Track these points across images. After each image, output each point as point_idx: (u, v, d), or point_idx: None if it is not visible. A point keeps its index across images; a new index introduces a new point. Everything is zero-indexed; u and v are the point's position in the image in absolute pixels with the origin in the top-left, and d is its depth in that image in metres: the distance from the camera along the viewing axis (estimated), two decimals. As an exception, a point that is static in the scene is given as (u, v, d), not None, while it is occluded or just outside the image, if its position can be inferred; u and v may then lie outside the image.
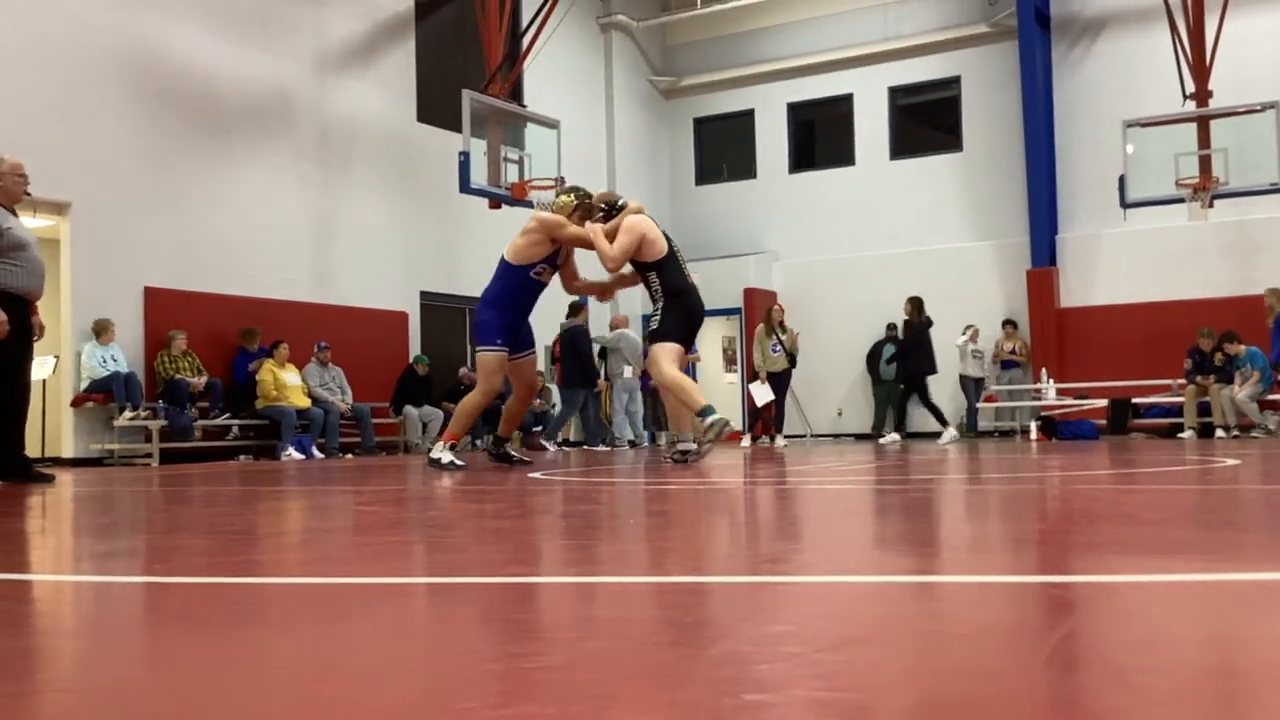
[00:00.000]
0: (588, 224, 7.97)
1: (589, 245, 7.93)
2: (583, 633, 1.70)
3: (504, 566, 2.55)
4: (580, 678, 1.35)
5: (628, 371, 15.66)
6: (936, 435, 15.07)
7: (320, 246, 14.95)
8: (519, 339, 8.12)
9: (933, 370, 14.86)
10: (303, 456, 12.87)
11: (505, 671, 1.37)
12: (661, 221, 22.14)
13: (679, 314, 7.81)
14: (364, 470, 8.88)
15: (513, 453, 8.61)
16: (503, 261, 7.97)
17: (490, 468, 8.09)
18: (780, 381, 14.72)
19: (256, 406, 13.18)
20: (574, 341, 15.03)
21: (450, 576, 2.39)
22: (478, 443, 14.68)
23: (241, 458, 12.83)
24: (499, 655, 1.49)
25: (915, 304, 14.90)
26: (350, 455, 13.57)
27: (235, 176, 13.90)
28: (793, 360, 14.78)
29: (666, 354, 7.73)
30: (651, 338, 8.01)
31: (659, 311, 7.88)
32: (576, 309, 15.42)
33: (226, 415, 13.05)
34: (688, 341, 7.94)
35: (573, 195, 8.12)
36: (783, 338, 14.60)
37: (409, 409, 14.97)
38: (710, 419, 7.41)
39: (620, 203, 8.13)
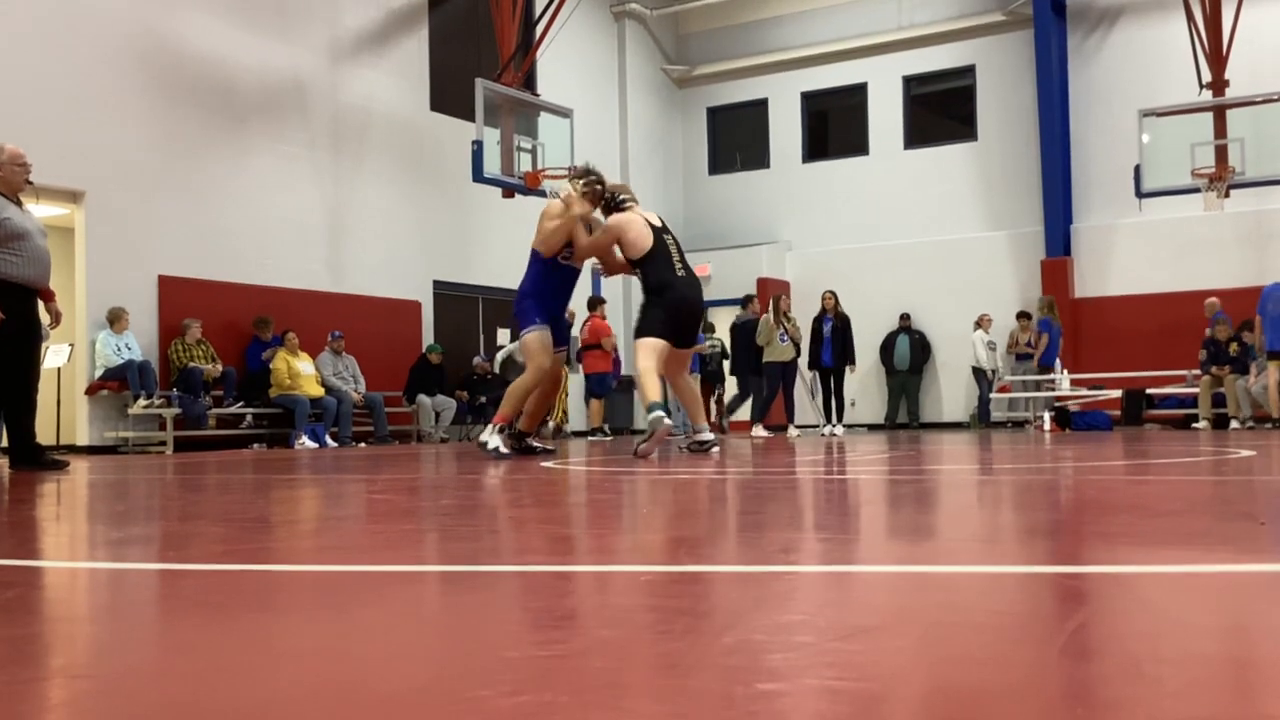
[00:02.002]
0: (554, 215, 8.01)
1: (549, 236, 8.00)
2: (595, 621, 1.70)
3: (517, 555, 2.55)
4: (593, 666, 1.35)
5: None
6: (952, 425, 15.03)
7: (334, 235, 14.98)
8: (555, 332, 8.11)
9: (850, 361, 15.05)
10: (316, 445, 12.91)
11: (518, 659, 1.38)
12: (674, 211, 22.29)
13: (659, 309, 7.82)
14: (377, 459, 8.90)
15: (535, 444, 8.57)
16: (531, 251, 8.09)
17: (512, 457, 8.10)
18: (788, 371, 14.74)
19: (270, 395, 13.23)
20: (746, 333, 15.25)
21: (463, 565, 2.39)
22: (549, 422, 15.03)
23: (255, 446, 12.88)
24: (512, 643, 1.49)
25: (835, 296, 15.16)
26: (363, 444, 13.61)
27: (249, 165, 13.93)
28: (798, 349, 14.81)
29: (643, 349, 7.78)
30: (635, 334, 8.05)
31: (641, 306, 8.01)
32: (747, 301, 15.77)
33: (240, 404, 13.10)
34: (673, 335, 7.85)
35: (580, 181, 8.13)
36: (789, 328, 14.61)
37: (422, 398, 15.00)
38: (651, 416, 7.38)
39: (621, 199, 8.13)
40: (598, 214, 8.14)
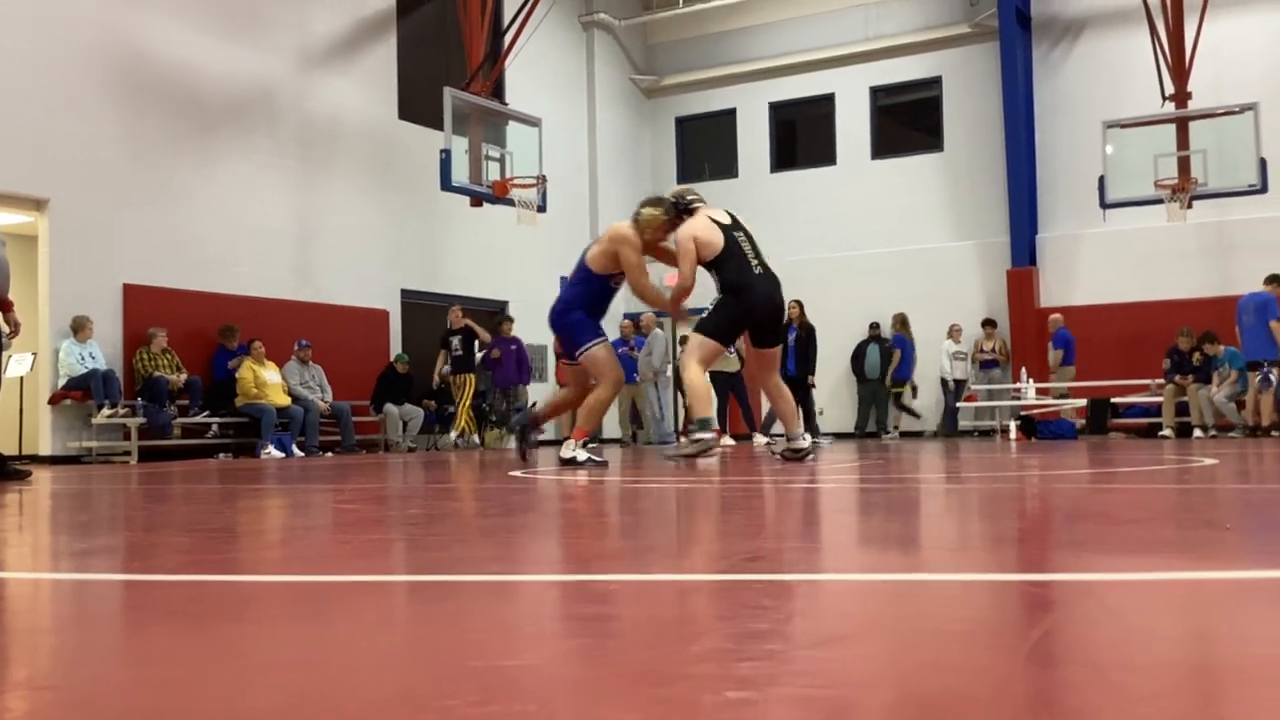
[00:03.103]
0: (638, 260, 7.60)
1: (634, 275, 7.59)
2: (564, 630, 1.69)
3: (485, 564, 2.54)
4: (562, 675, 1.34)
5: (668, 370, 16.03)
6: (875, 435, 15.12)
7: (301, 244, 14.90)
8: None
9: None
10: (282, 454, 12.83)
11: (486, 669, 1.37)
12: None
13: (734, 309, 7.47)
14: (344, 468, 8.85)
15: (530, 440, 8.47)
16: (584, 266, 7.77)
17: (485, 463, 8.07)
18: (735, 381, 14.85)
19: (236, 404, 13.14)
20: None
21: (431, 574, 2.38)
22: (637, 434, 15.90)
23: (221, 456, 12.78)
24: (480, 653, 1.49)
25: (800, 306, 15.30)
26: (330, 454, 13.53)
27: (216, 173, 13.84)
28: (743, 360, 14.94)
29: (698, 349, 7.46)
30: (697, 326, 7.66)
31: (713, 304, 7.57)
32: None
33: (206, 413, 13.00)
34: (754, 336, 7.61)
35: (660, 209, 7.70)
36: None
37: (389, 407, 14.95)
38: (698, 435, 7.29)
39: (689, 200, 7.74)
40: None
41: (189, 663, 1.48)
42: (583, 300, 7.68)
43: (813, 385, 15.77)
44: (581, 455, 7.54)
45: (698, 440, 7.34)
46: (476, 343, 15.61)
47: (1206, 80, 15.79)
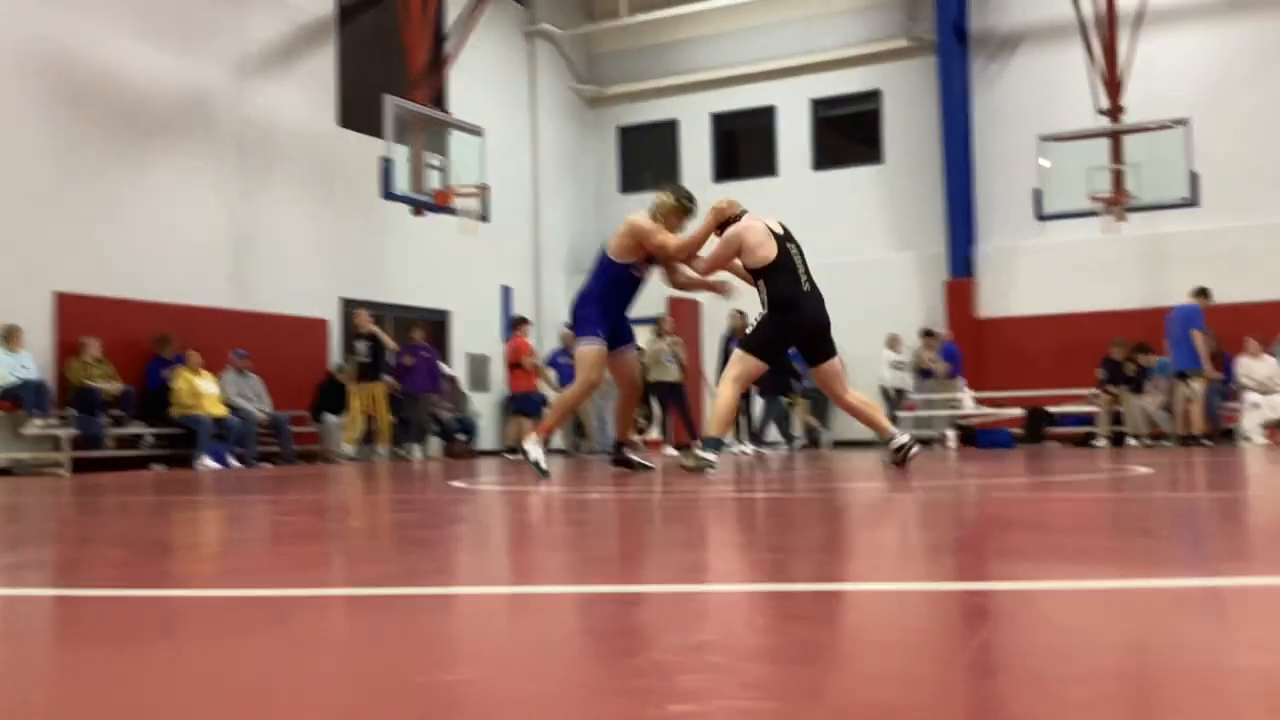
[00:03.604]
0: (668, 237, 7.47)
1: (665, 254, 7.48)
2: (504, 644, 1.68)
3: (425, 577, 2.52)
4: (502, 690, 1.33)
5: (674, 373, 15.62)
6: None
7: (238, 252, 14.71)
8: (620, 333, 7.67)
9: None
10: (219, 466, 12.64)
11: (427, 685, 1.35)
12: (586, 229, 22.37)
13: (779, 328, 7.24)
14: (282, 479, 8.73)
15: (634, 457, 8.05)
16: (604, 256, 7.62)
17: (392, 474, 8.00)
18: (675, 391, 14.90)
19: (171, 415, 12.92)
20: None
21: (370, 588, 2.35)
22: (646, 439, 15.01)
23: (155, 467, 12.56)
24: (420, 668, 1.47)
25: (744, 316, 15.45)
26: (268, 465, 13.35)
27: (151, 180, 13.63)
28: (683, 369, 15.01)
29: (739, 364, 7.25)
30: (740, 343, 7.48)
31: (759, 319, 7.31)
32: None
33: (140, 424, 12.77)
34: (804, 354, 7.47)
35: (672, 196, 7.60)
36: (675, 348, 14.83)
37: (329, 417, 14.78)
38: (705, 454, 7.13)
39: (739, 210, 7.55)
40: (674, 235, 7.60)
41: (119, 682, 1.44)
42: (601, 291, 7.53)
43: (796, 399, 15.83)
44: (535, 453, 7.37)
45: (701, 459, 7.13)
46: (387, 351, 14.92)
47: (1139, 95, 16.09)
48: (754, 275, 7.28)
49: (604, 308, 7.52)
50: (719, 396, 7.40)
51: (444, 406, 16.26)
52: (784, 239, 7.29)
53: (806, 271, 7.30)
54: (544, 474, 7.27)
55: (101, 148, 13.09)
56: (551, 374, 16.47)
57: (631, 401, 8.02)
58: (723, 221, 7.45)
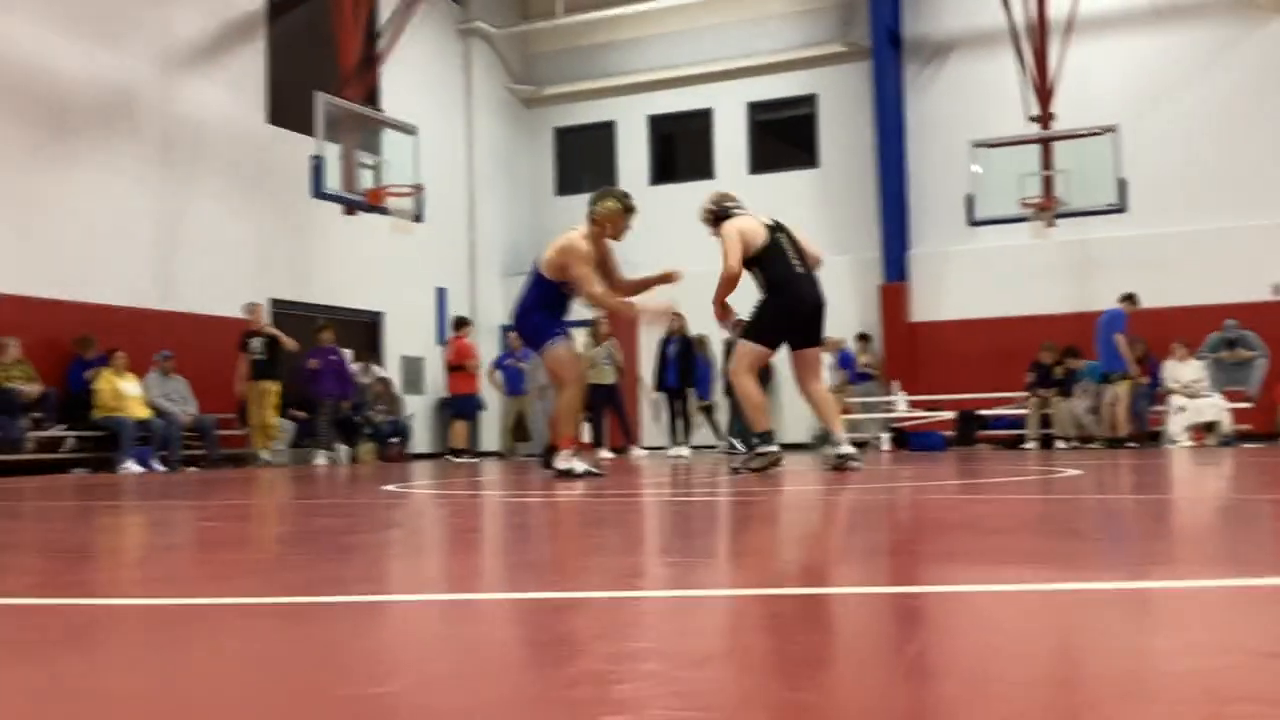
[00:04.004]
0: (594, 287, 7.34)
1: (585, 291, 7.31)
2: (435, 653, 1.63)
3: (354, 585, 2.46)
4: (432, 702, 1.29)
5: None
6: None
7: (164, 251, 14.44)
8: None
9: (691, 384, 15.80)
10: (143, 470, 12.39)
11: (354, 697, 1.31)
12: (522, 231, 22.26)
13: (774, 312, 7.40)
14: (208, 484, 8.58)
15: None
16: (537, 270, 7.52)
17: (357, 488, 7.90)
18: (612, 393, 14.91)
19: (93, 417, 12.64)
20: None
21: (298, 596, 2.29)
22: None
23: (77, 471, 12.28)
24: (348, 680, 1.42)
25: (682, 318, 15.63)
26: (194, 468, 13.12)
27: (74, 178, 13.33)
28: (620, 371, 15.05)
29: (747, 357, 7.38)
30: (744, 331, 7.54)
31: (757, 306, 7.49)
32: (737, 324, 15.84)
33: (61, 426, 12.49)
34: (794, 336, 7.50)
35: (615, 200, 7.50)
36: (612, 351, 14.87)
37: (257, 420, 14.55)
38: (765, 449, 7.16)
39: (728, 205, 7.70)
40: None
41: (28, 696, 1.38)
42: (540, 302, 7.49)
43: (709, 405, 15.93)
44: (579, 466, 7.20)
45: (764, 454, 7.17)
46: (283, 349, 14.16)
47: (1069, 102, 16.36)
48: (747, 265, 7.46)
49: (550, 315, 7.48)
50: (741, 393, 7.43)
51: (378, 409, 16.09)
52: (774, 229, 7.53)
53: (799, 257, 7.48)
54: (600, 474, 7.22)
55: (21, 144, 12.78)
56: (499, 376, 16.41)
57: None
58: (715, 212, 7.70)
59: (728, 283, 7.54)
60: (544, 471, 7.87)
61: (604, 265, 7.58)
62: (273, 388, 13.98)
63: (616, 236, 7.53)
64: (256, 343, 13.91)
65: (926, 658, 1.49)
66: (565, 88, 20.96)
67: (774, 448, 7.35)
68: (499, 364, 16.57)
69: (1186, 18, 17.19)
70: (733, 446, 15.03)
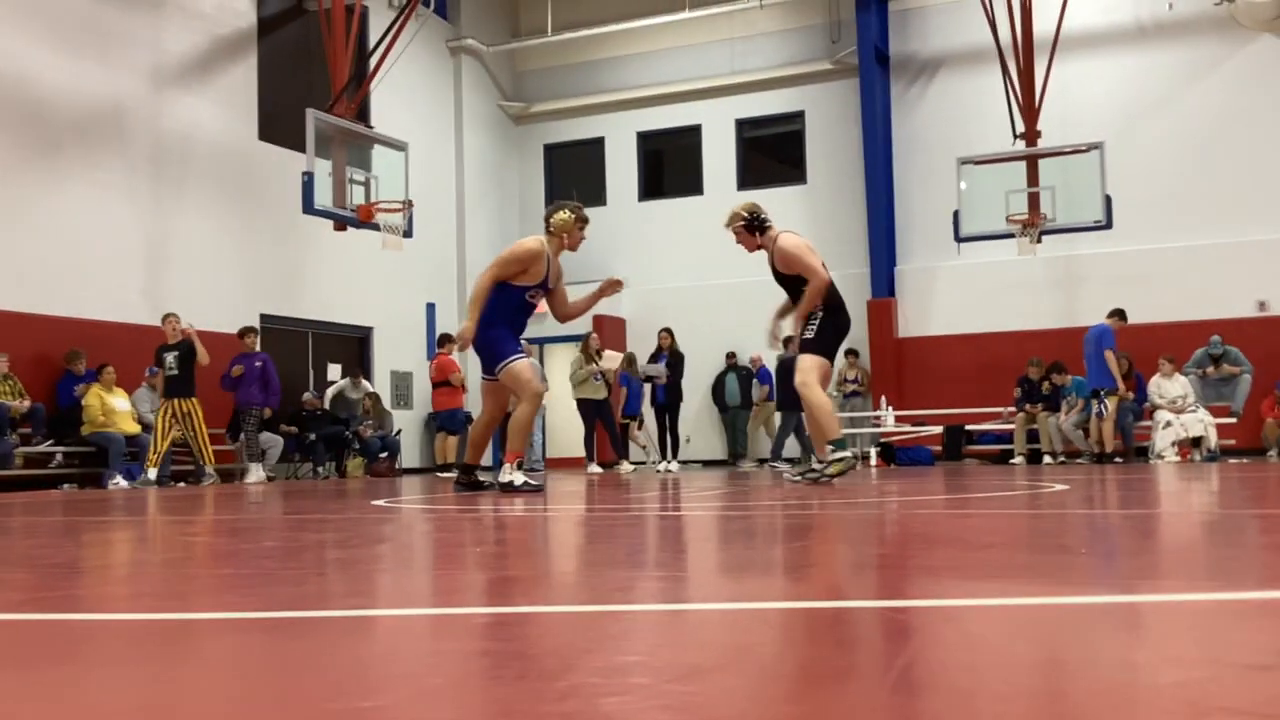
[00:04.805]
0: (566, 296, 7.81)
1: (481, 279, 7.51)
2: (424, 668, 1.64)
3: (343, 599, 2.46)
4: (422, 716, 1.29)
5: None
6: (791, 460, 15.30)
7: (154, 267, 14.42)
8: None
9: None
10: (131, 485, 12.35)
11: (344, 711, 1.31)
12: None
13: (835, 330, 7.74)
14: (196, 499, 8.55)
15: (483, 479, 8.08)
16: (494, 284, 7.54)
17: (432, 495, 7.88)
18: (601, 409, 14.92)
19: (82, 433, 12.60)
20: (788, 370, 15.48)
21: (286, 610, 2.29)
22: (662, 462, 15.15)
23: (66, 487, 12.24)
24: (338, 694, 1.42)
25: (671, 334, 15.66)
26: (182, 484, 13.07)
27: (64, 192, 13.32)
28: (609, 388, 15.08)
29: (814, 369, 7.60)
30: (804, 346, 7.74)
31: (816, 321, 7.68)
32: (787, 341, 15.93)
33: (50, 442, 12.44)
34: (834, 357, 7.89)
35: (568, 211, 7.66)
36: (602, 366, 14.88)
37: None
38: (840, 455, 7.36)
39: (762, 217, 7.89)
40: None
41: (22, 712, 1.38)
42: (499, 314, 7.48)
43: (636, 420, 16.03)
44: (519, 479, 7.35)
45: (839, 459, 7.39)
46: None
47: (1055, 120, 16.45)
48: (792, 282, 7.74)
49: (509, 330, 7.54)
50: (812, 403, 7.59)
51: (366, 425, 16.06)
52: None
53: None
54: (538, 489, 7.34)
55: (10, 158, 12.78)
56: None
57: (491, 429, 7.96)
58: (750, 221, 7.83)
59: (820, 293, 7.69)
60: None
61: (557, 279, 7.74)
62: (193, 404, 12.81)
63: (573, 247, 7.69)
64: (168, 356, 12.87)
65: (913, 672, 1.50)
66: (555, 104, 21.01)
67: (848, 453, 7.56)
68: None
69: (1171, 36, 17.31)
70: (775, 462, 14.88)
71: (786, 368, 14.72)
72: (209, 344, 14.79)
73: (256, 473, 13.62)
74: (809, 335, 7.70)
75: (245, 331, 14.19)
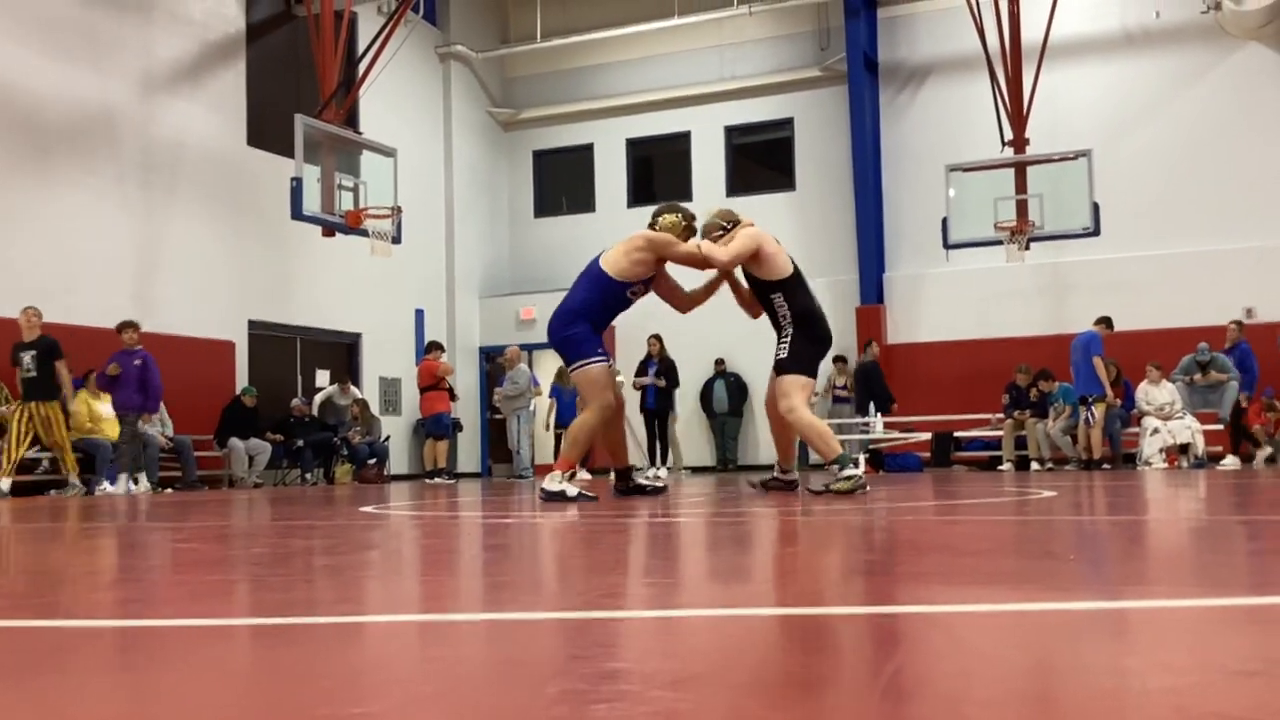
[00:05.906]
0: (693, 240, 7.35)
1: (699, 263, 7.29)
2: (415, 674, 1.63)
3: (333, 605, 2.45)
4: (410, 722, 1.29)
5: (530, 405, 16.03)
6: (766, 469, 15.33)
7: (143, 272, 14.38)
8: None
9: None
10: (119, 491, 12.29)
11: (332, 718, 1.31)
12: (500, 253, 22.28)
13: (811, 342, 7.20)
14: (184, 505, 8.52)
15: (644, 481, 7.70)
16: (600, 272, 7.14)
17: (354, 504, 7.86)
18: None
19: (70, 439, 12.53)
20: (867, 374, 16.43)
21: (275, 617, 2.28)
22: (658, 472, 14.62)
23: (53, 493, 12.17)
24: (327, 701, 1.42)
25: (660, 340, 15.70)
26: (170, 490, 13.03)
27: (53, 198, 13.27)
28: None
29: (799, 389, 7.12)
30: (779, 367, 7.21)
31: (787, 339, 7.18)
32: (866, 344, 16.20)
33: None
34: (816, 372, 7.35)
35: (679, 215, 7.38)
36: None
37: (235, 441, 14.48)
38: (849, 472, 6.87)
39: (735, 219, 7.48)
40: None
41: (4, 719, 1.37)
42: (590, 309, 7.11)
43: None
44: (571, 490, 6.80)
45: (849, 477, 6.86)
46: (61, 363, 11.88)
47: (1043, 127, 16.49)
48: (770, 289, 7.23)
49: (595, 325, 7.15)
50: (803, 425, 7.16)
51: (355, 431, 16.03)
52: (791, 258, 7.34)
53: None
54: (590, 498, 6.81)
55: (1, 164, 12.72)
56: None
57: (617, 419, 7.46)
58: (725, 227, 7.42)
59: (712, 271, 7.39)
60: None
61: (663, 280, 7.49)
62: (52, 409, 11.75)
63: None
64: (25, 357, 11.70)
65: (902, 678, 1.50)
66: (544, 111, 21.01)
67: (858, 471, 7.06)
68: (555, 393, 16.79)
69: (1158, 44, 17.39)
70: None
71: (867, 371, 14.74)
72: (198, 349, 14.78)
73: (123, 484, 12.38)
74: (782, 356, 7.21)
75: (124, 326, 12.68)
